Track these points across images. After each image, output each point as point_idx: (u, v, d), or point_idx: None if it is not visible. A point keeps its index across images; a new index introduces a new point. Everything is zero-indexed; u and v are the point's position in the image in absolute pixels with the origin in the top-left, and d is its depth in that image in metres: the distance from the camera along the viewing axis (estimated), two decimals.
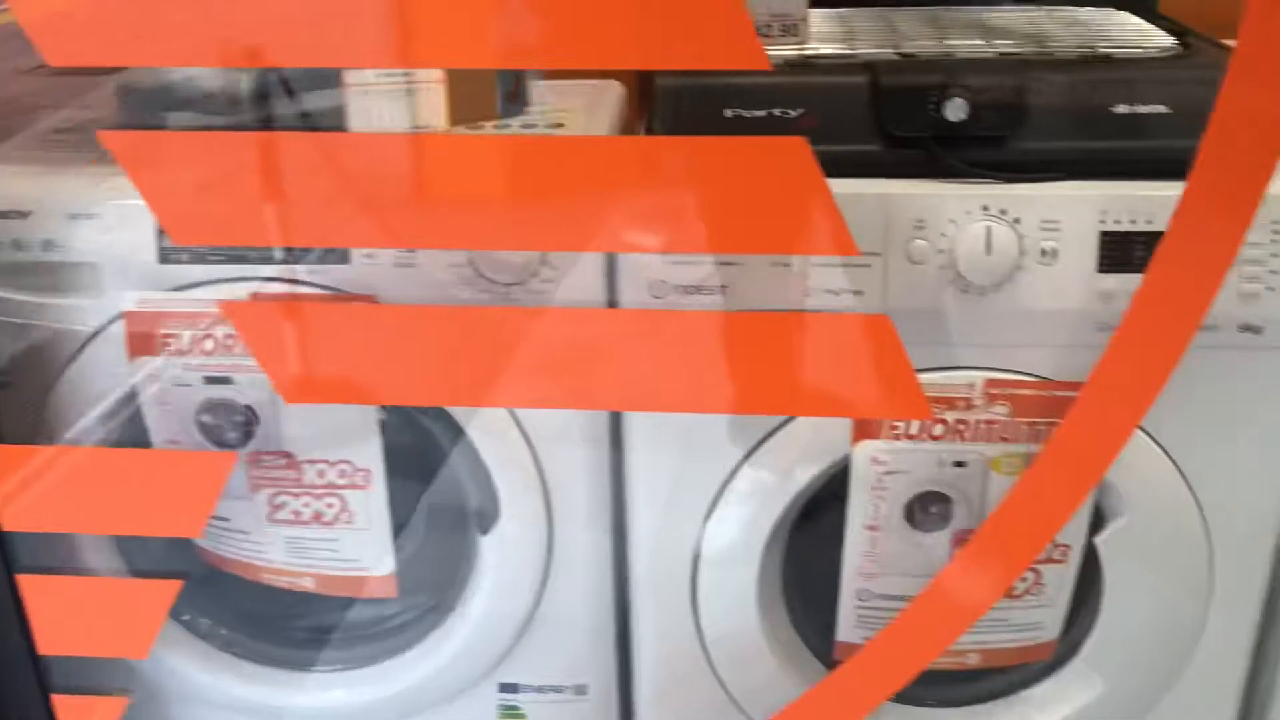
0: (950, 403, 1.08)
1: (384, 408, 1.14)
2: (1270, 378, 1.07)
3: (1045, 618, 1.16)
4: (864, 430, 1.10)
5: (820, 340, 0.96)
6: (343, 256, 1.10)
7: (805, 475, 1.13)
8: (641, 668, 1.28)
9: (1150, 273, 0.91)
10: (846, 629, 1.17)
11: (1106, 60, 1.11)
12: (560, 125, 1.21)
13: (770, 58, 0.90)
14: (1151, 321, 0.92)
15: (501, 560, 1.21)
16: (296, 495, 1.19)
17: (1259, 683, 1.24)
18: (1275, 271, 1.03)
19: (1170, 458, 1.10)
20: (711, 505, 1.16)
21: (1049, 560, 1.13)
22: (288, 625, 1.33)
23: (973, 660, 1.18)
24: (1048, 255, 1.04)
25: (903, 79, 1.07)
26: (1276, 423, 1.10)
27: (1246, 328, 1.05)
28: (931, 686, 1.21)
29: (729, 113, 1.06)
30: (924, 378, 1.07)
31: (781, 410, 1.08)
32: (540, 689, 1.29)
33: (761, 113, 1.07)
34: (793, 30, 1.16)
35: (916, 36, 1.21)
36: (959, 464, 1.10)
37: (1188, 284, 0.91)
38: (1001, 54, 1.15)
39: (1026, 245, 1.04)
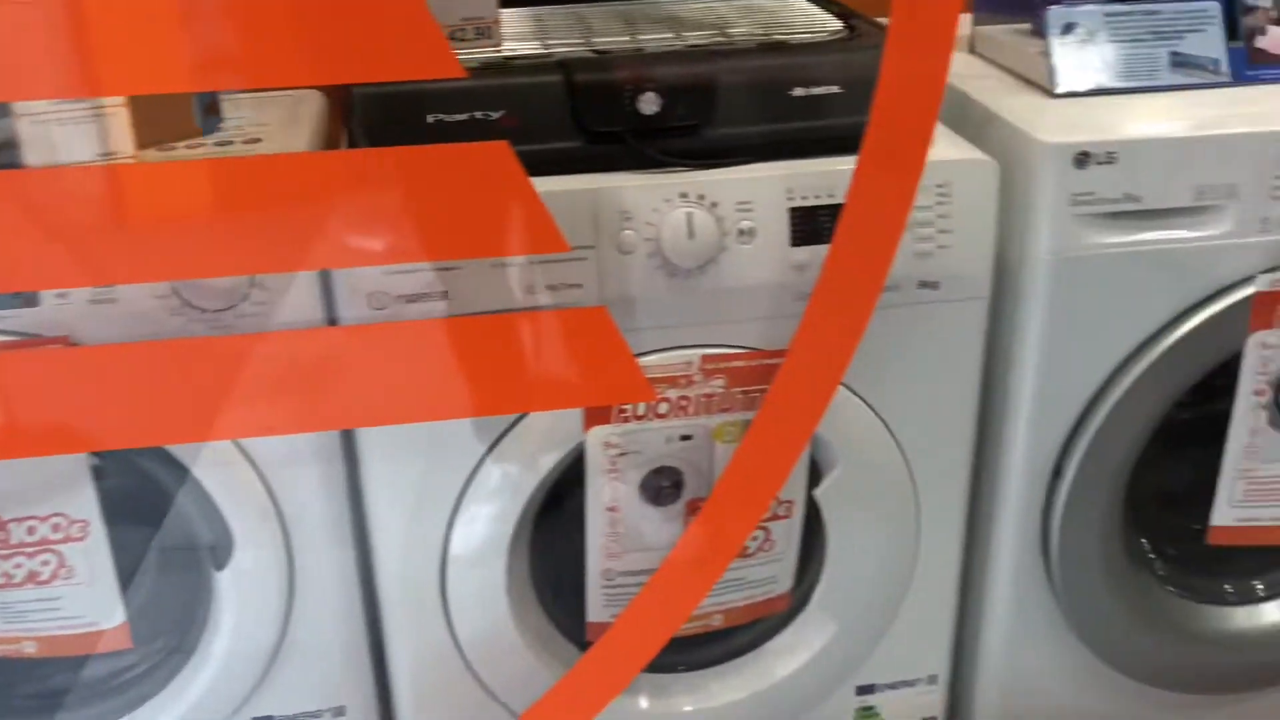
0: (672, 381, 1.14)
1: (96, 453, 1.08)
2: (949, 328, 1.19)
3: (778, 571, 1.24)
4: (594, 417, 1.13)
5: (543, 336, 0.98)
6: (30, 299, 1.03)
7: (547, 463, 1.16)
8: (399, 679, 1.27)
9: (835, 242, 0.99)
10: (596, 610, 1.21)
11: (782, 46, 1.19)
12: (258, 141, 1.17)
13: (466, 61, 0.91)
14: (840, 286, 1.00)
15: (241, 594, 1.17)
16: (6, 556, 1.12)
17: (967, 611, 1.38)
18: (944, 231, 1.14)
19: (873, 409, 1.20)
20: (456, 505, 1.17)
21: (775, 517, 1.21)
22: (12, 693, 1.24)
23: (717, 621, 1.25)
24: (745, 234, 1.11)
25: (597, 76, 1.11)
26: (958, 368, 1.21)
27: (924, 284, 1.16)
28: (681, 653, 1.27)
29: (431, 118, 1.07)
30: (645, 361, 1.12)
31: (512, 409, 1.10)
32: (294, 717, 1.26)
33: (463, 116, 1.08)
34: (486, 32, 1.17)
35: (608, 32, 1.25)
36: (685, 438, 1.16)
37: (868, 249, 0.99)
38: (691, 46, 1.21)
39: (726, 227, 1.10)
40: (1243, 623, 1.35)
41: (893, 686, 1.34)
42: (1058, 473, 1.27)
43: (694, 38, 1.23)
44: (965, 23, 1.45)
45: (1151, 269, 1.19)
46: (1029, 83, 1.31)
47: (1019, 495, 1.28)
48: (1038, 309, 1.20)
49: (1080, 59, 1.27)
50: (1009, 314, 1.23)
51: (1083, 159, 1.15)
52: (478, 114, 1.08)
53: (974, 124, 1.27)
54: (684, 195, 1.10)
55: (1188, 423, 1.31)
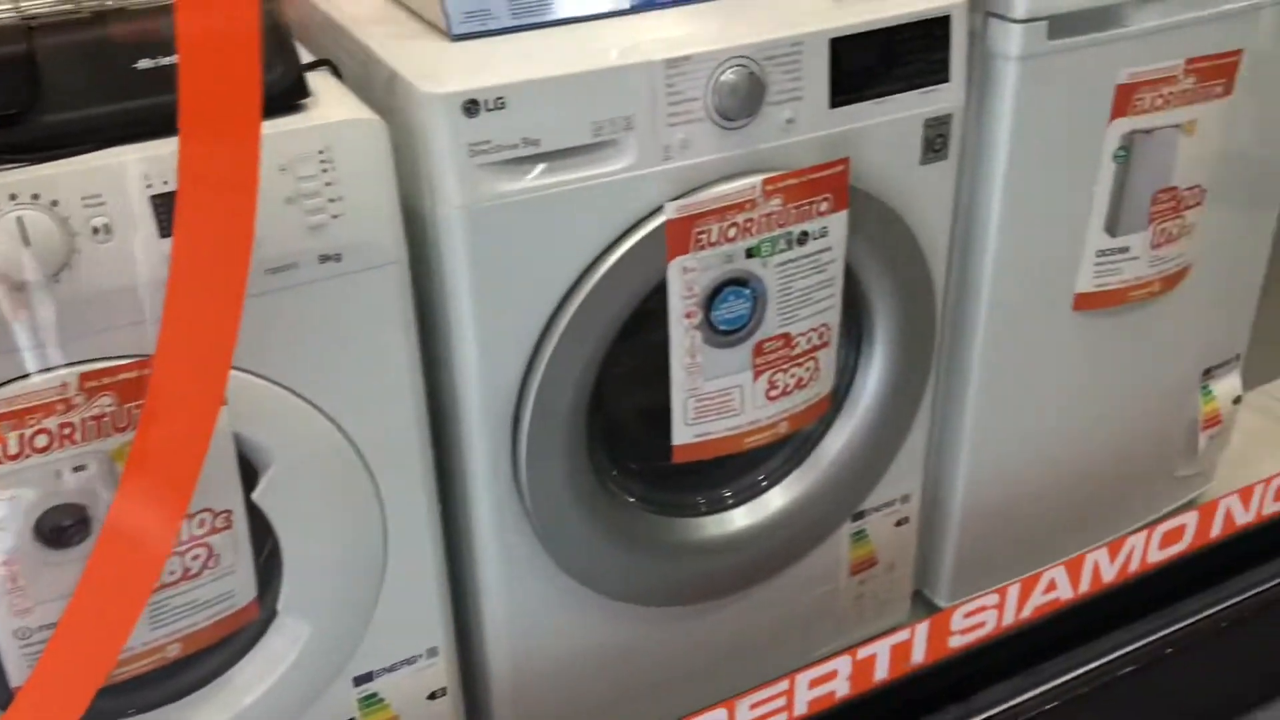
0: (48, 409, 0.99)
1: None
2: (364, 298, 1.12)
3: (234, 585, 1.14)
4: None
5: None
6: None
7: None
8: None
9: (176, 234, 0.89)
10: (18, 675, 1.06)
11: (123, 12, 1.05)
12: None
13: None
14: (195, 280, 0.90)
15: None
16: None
17: (461, 576, 1.35)
18: (335, 199, 1.06)
19: (302, 397, 1.12)
20: None
21: (214, 530, 1.10)
22: None
23: (174, 651, 1.14)
24: (101, 232, 0.98)
25: None
26: (385, 336, 1.15)
27: (326, 258, 1.08)
28: (131, 694, 1.15)
29: None
30: (9, 390, 0.98)
31: None
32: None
33: None
34: None
35: None
36: (79, 468, 1.02)
37: (217, 235, 0.90)
38: (24, 18, 1.04)
39: (73, 226, 0.97)
40: (714, 530, 1.41)
41: (390, 669, 1.29)
42: (517, 420, 1.25)
43: (33, 7, 1.07)
44: None
45: (566, 209, 1.17)
46: (433, 27, 1.25)
47: (485, 450, 1.25)
48: (461, 264, 1.16)
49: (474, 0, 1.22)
50: (434, 272, 1.18)
51: (471, 107, 1.10)
52: None
53: (376, 77, 1.19)
54: (13, 197, 0.95)
55: (642, 349, 1.33)
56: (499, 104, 1.11)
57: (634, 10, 1.28)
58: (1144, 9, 1.41)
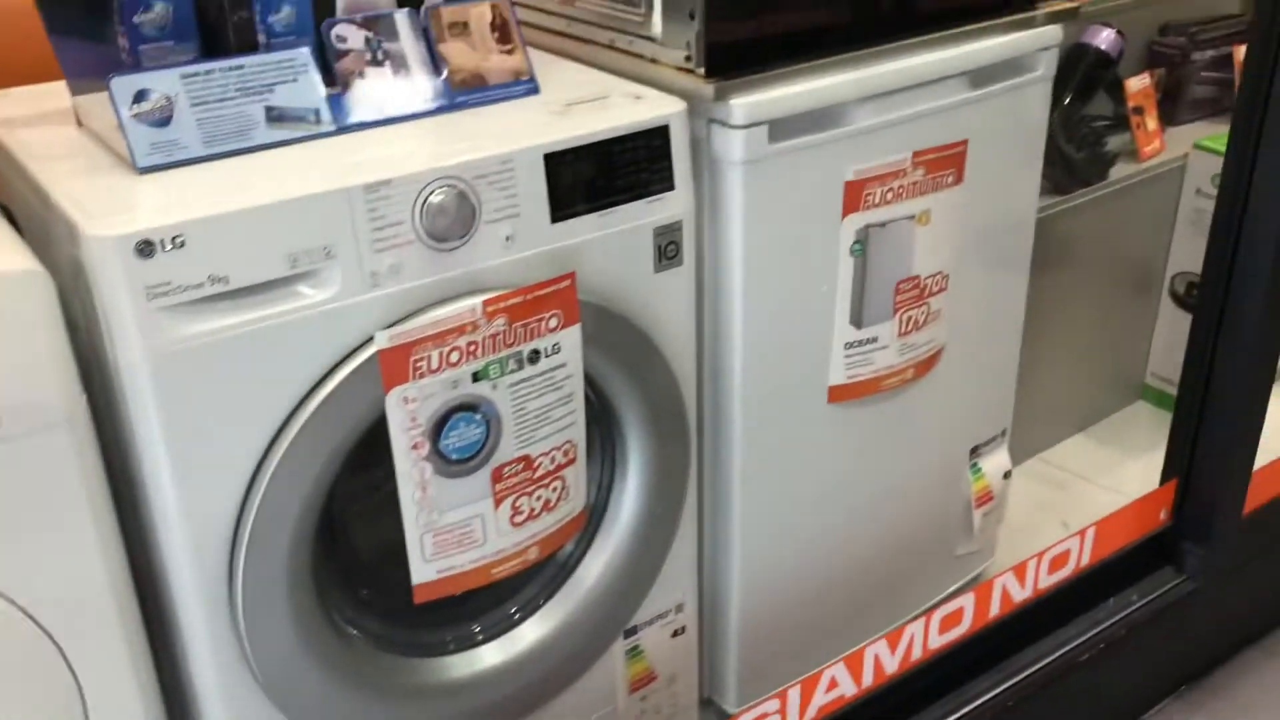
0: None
1: None
2: (29, 465, 1.01)
3: None
4: None
5: None
6: None
7: None
8: None
9: None
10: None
11: None
12: None
13: None
14: None
15: None
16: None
17: None
18: None
19: None
20: None
21: None
22: None
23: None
24: None
25: None
26: (60, 504, 1.05)
27: None
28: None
29: None
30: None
31: None
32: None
33: None
34: None
35: None
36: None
37: None
38: None
39: None
40: (463, 670, 1.34)
41: None
42: (232, 569, 1.15)
43: None
44: (65, 92, 1.29)
45: (266, 346, 1.10)
46: (122, 160, 1.17)
47: (200, 603, 1.15)
48: (150, 415, 1.07)
49: (161, 129, 1.15)
50: (125, 424, 1.09)
51: (146, 248, 1.02)
52: None
53: (55, 219, 1.10)
54: None
55: (376, 481, 1.26)
56: (178, 243, 1.04)
57: (340, 131, 1.23)
58: (865, 107, 1.43)
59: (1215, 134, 2.20)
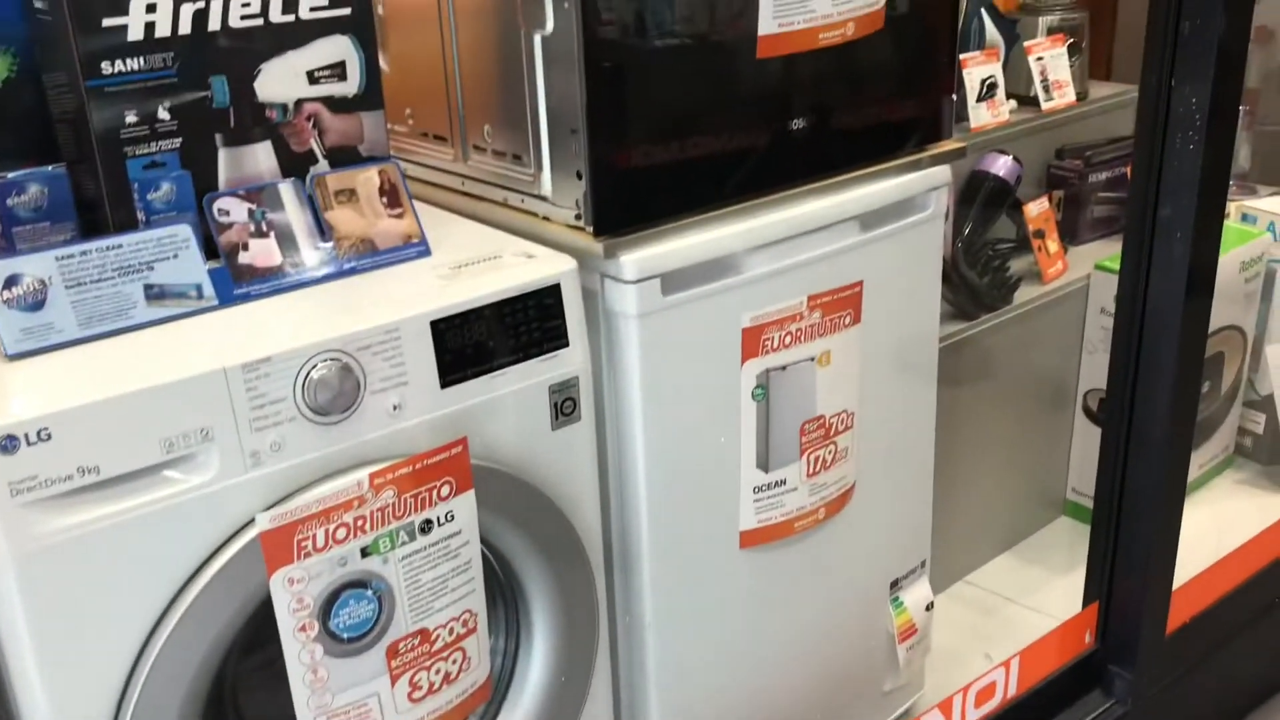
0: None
1: None
2: None
3: None
4: None
5: None
6: None
7: None
8: None
9: None
10: None
11: None
12: None
13: None
14: None
15: None
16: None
17: None
18: None
19: None
20: None
21: None
22: None
23: None
24: None
25: None
26: None
27: None
28: None
29: None
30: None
31: None
32: None
33: None
34: None
35: None
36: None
37: None
38: None
39: None
40: None
41: None
42: None
43: None
44: None
45: (142, 535, 1.06)
46: None
47: None
48: (16, 615, 1.02)
49: (34, 314, 1.13)
50: None
51: (9, 443, 0.99)
52: None
53: None
54: None
55: (272, 661, 1.21)
56: (43, 436, 1.00)
57: (224, 305, 1.21)
58: (758, 255, 1.45)
59: (1115, 253, 2.25)
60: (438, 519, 1.22)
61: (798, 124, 1.47)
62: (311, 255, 1.28)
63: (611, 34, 1.30)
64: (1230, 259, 2.27)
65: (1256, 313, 2.42)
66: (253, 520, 1.11)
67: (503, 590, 1.36)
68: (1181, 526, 1.95)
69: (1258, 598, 2.18)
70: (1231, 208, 2.51)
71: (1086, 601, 1.96)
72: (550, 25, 1.30)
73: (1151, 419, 1.83)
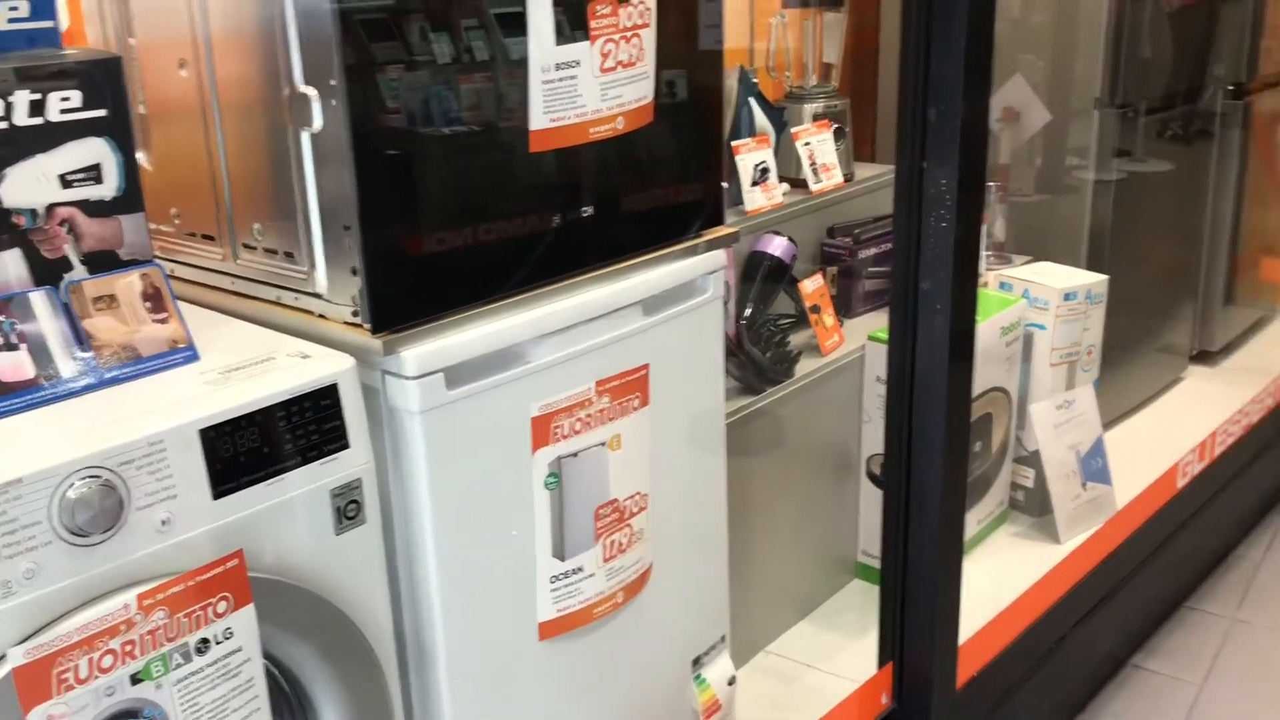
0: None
1: None
2: None
3: None
4: None
5: None
6: None
7: None
8: None
9: None
10: None
11: None
12: None
13: None
14: None
15: None
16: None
17: None
18: None
19: None
20: None
21: None
22: None
23: None
24: None
25: None
26: None
27: None
28: None
29: None
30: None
31: None
32: None
33: None
34: None
35: None
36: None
37: None
38: None
39: None
40: None
41: None
42: None
43: None
44: None
45: None
46: None
47: None
48: None
49: None
50: None
51: None
52: None
53: None
54: None
55: None
56: None
57: None
58: (543, 344, 1.45)
59: (886, 324, 2.38)
60: (215, 637, 1.16)
61: (576, 214, 1.49)
62: (69, 366, 1.22)
63: (383, 131, 1.29)
64: (990, 325, 2.42)
65: (1019, 374, 2.58)
66: (3, 656, 1.03)
67: (290, 705, 1.30)
68: (963, 582, 2.04)
69: (1038, 644, 2.31)
70: (990, 276, 2.68)
71: (881, 663, 2.02)
72: (318, 123, 1.28)
73: (927, 480, 1.93)
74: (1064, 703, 2.49)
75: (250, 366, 1.28)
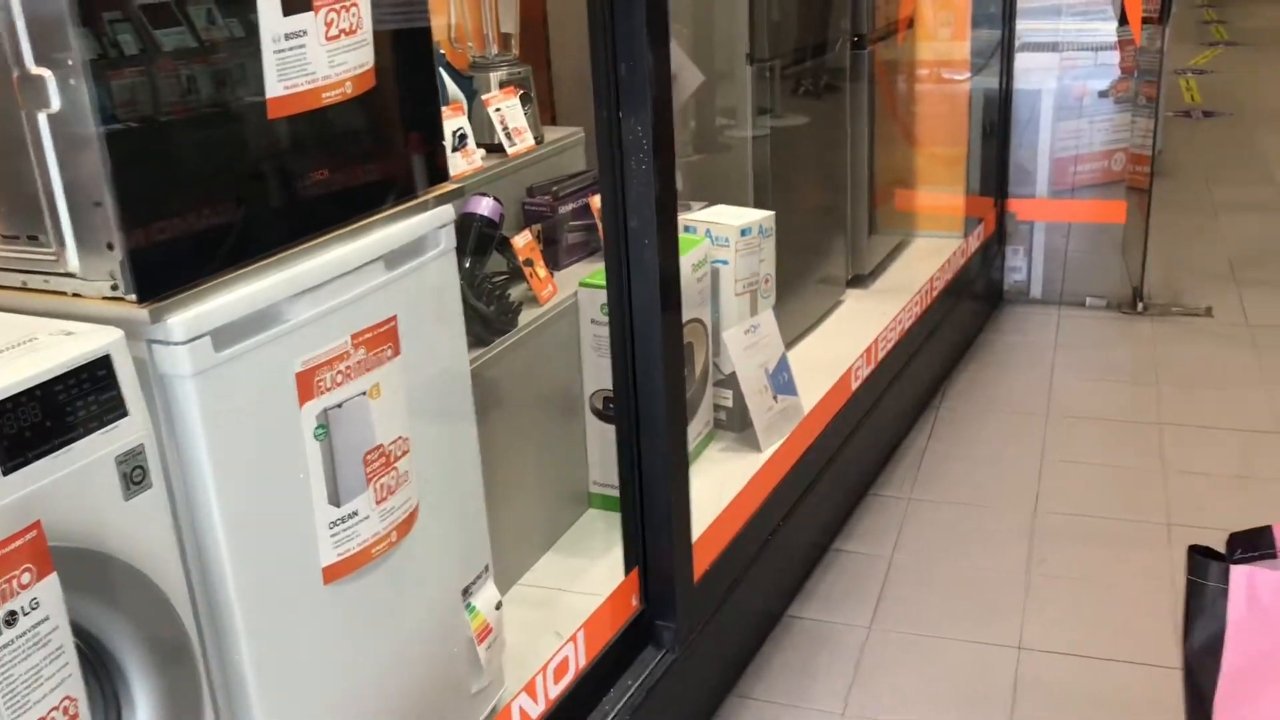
0: None
1: None
2: None
3: None
4: None
5: None
6: None
7: None
8: None
9: None
10: None
11: None
12: None
13: None
14: None
15: None
16: None
17: None
18: None
19: None
20: None
21: None
22: None
23: None
24: None
25: None
26: None
27: None
28: None
29: None
30: None
31: None
32: None
33: None
34: None
35: None
36: None
37: None
38: None
39: None
40: None
41: None
42: None
43: None
44: None
45: None
46: None
47: None
48: None
49: None
50: None
51: None
52: None
53: None
54: None
55: None
56: None
57: None
58: (301, 301, 1.53)
59: (594, 271, 2.58)
60: (22, 609, 1.19)
61: (317, 175, 1.58)
62: None
63: (128, 105, 1.33)
64: (684, 263, 2.67)
65: (709, 306, 2.86)
66: None
67: (94, 668, 1.33)
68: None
69: (756, 537, 2.60)
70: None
71: (627, 570, 2.23)
72: (55, 104, 1.30)
73: (653, 402, 2.14)
74: (783, 585, 2.81)
75: (13, 349, 1.28)
